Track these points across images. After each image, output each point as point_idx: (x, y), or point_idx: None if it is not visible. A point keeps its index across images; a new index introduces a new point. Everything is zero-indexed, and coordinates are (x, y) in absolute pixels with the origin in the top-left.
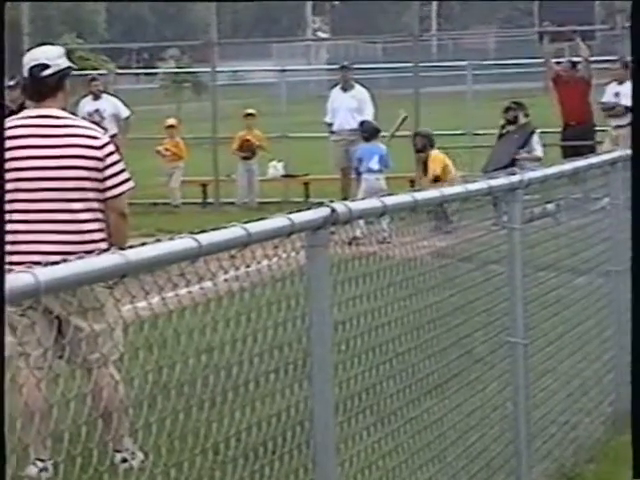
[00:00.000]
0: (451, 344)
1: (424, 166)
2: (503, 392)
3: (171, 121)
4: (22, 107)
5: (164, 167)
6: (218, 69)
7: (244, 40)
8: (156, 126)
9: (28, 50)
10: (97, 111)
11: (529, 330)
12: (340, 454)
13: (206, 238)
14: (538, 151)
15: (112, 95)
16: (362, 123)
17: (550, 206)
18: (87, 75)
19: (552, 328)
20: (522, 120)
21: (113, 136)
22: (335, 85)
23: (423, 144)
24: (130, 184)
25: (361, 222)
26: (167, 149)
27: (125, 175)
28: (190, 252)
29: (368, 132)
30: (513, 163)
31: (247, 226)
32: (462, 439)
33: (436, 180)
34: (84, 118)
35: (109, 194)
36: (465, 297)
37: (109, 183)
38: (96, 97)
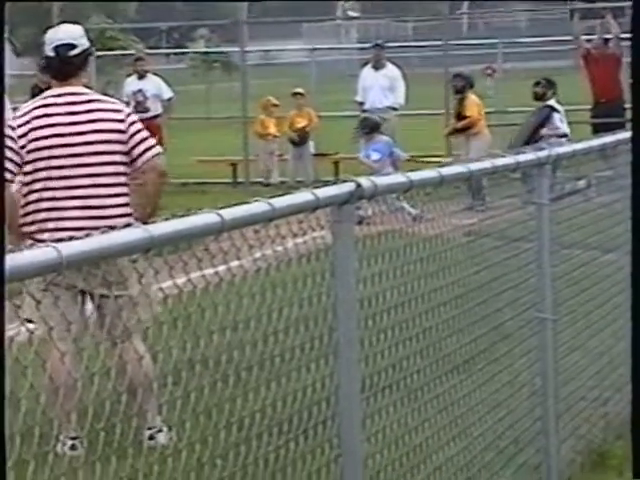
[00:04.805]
0: (479, 320)
1: (460, 107)
2: (532, 368)
3: (273, 100)
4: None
5: (261, 145)
6: (248, 49)
7: (274, 19)
8: (185, 107)
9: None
10: (140, 91)
11: (557, 306)
12: (366, 429)
13: (230, 213)
14: (562, 128)
15: (157, 75)
16: (363, 119)
17: (581, 183)
18: (122, 55)
19: (580, 304)
20: (549, 98)
21: (156, 116)
22: (366, 64)
23: (463, 85)
24: (154, 151)
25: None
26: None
27: (150, 143)
28: (214, 227)
29: (368, 127)
30: (536, 141)
31: (271, 201)
32: (490, 415)
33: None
34: (128, 97)
35: (146, 156)
36: (493, 273)
37: (142, 147)
38: (141, 77)
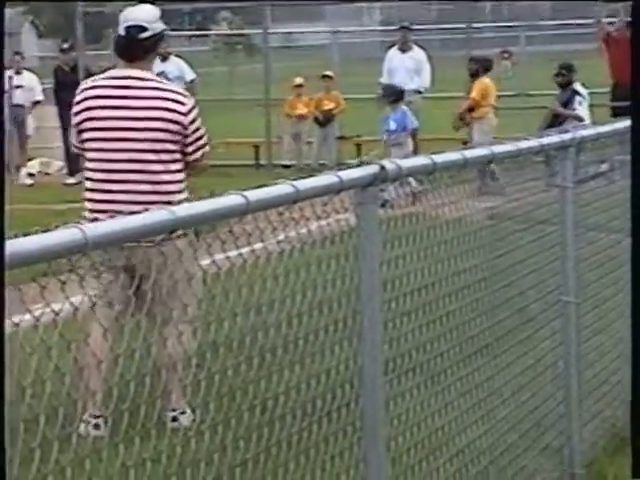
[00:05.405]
0: (502, 303)
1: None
2: (555, 351)
3: (299, 80)
4: (74, 69)
5: (287, 128)
6: (270, 31)
7: (297, 2)
8: (207, 89)
9: (84, 13)
10: (162, 73)
11: (581, 289)
12: (389, 412)
13: (254, 195)
14: (578, 111)
15: (179, 57)
16: (386, 87)
17: (604, 166)
18: None
19: (603, 288)
20: (573, 82)
21: None
22: (391, 46)
23: (476, 69)
24: (205, 149)
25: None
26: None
27: (203, 140)
28: (238, 208)
29: (394, 95)
30: (560, 124)
31: (295, 183)
32: (512, 398)
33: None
34: None
35: (194, 156)
36: (516, 256)
37: (194, 147)
38: (163, 59)
